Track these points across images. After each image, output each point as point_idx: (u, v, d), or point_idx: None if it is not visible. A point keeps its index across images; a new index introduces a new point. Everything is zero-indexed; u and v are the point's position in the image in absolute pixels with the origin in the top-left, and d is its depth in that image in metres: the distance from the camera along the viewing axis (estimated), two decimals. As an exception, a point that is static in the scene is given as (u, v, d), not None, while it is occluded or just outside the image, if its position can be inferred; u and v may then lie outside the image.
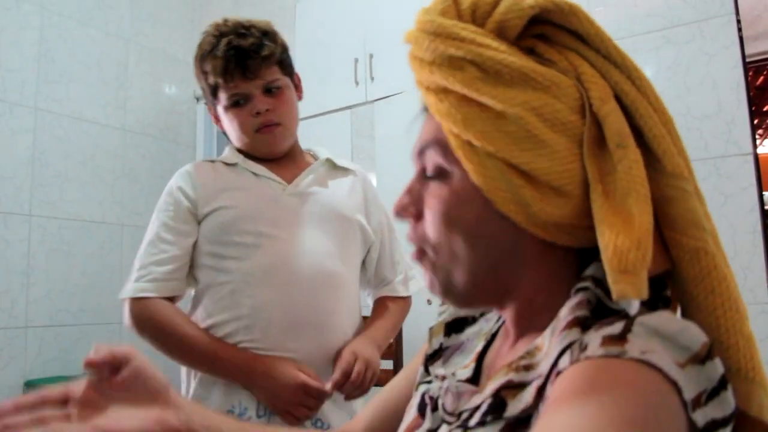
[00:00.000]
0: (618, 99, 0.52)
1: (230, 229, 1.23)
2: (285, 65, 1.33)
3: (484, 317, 0.71)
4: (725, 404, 0.44)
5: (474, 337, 0.69)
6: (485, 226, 0.55)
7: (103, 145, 3.23)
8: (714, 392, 0.44)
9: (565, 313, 0.51)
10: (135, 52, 3.45)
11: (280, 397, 1.15)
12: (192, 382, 1.24)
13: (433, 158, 0.58)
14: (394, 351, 2.18)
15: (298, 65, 3.47)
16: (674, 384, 0.42)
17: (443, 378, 0.63)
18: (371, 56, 3.00)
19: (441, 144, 0.57)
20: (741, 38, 2.13)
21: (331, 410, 1.23)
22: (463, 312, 0.72)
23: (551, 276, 0.57)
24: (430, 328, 0.72)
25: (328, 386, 1.17)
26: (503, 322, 0.65)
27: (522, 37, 0.54)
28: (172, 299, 1.24)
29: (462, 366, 0.65)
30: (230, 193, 1.27)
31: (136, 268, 1.23)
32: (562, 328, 0.50)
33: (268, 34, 1.29)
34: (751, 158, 2.05)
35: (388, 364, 2.22)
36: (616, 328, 0.45)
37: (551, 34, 0.53)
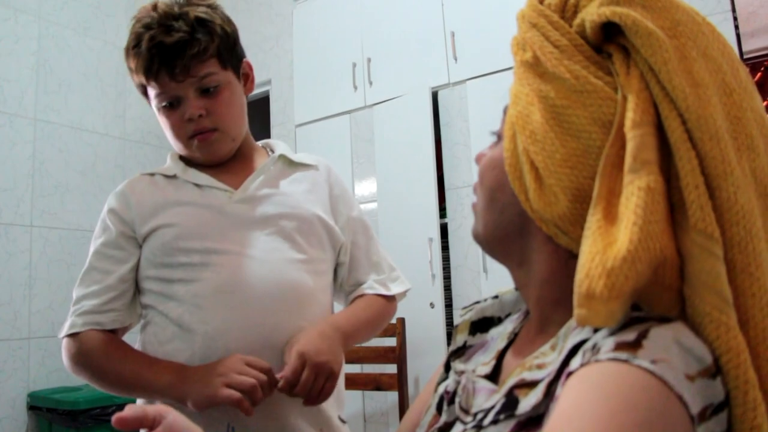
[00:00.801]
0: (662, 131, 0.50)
1: (173, 250, 1.09)
2: (225, 57, 1.14)
3: (510, 318, 0.72)
4: (722, 422, 0.44)
5: (498, 336, 0.70)
6: (500, 193, 0.61)
7: (103, 155, 3.24)
8: (719, 407, 0.44)
9: None
10: (133, 60, 3.45)
11: (214, 374, 0.98)
12: None
13: (502, 122, 0.64)
14: (398, 356, 2.18)
15: (297, 70, 3.47)
16: (680, 397, 0.41)
17: (462, 373, 0.65)
18: (369, 60, 3.00)
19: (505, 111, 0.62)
20: (738, 35, 2.13)
21: (297, 417, 1.08)
22: (489, 312, 0.74)
23: (558, 272, 0.57)
24: (456, 326, 0.75)
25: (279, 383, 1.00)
26: (525, 323, 0.67)
27: (607, 40, 0.54)
28: (114, 332, 1.12)
29: (482, 363, 0.66)
30: (170, 210, 1.12)
31: (72, 303, 1.13)
32: (574, 326, 0.51)
33: (202, 24, 1.10)
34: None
35: (392, 369, 2.23)
36: (631, 334, 0.45)
37: (631, 49, 0.52)
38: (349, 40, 3.10)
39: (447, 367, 0.72)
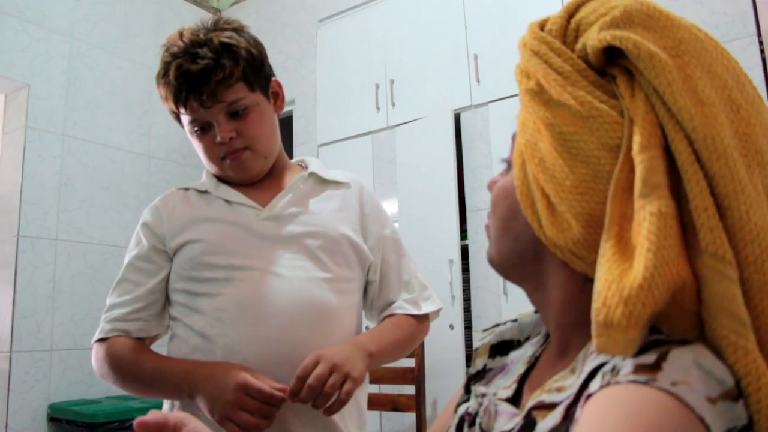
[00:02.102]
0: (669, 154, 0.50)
1: (199, 265, 1.12)
2: (252, 79, 1.15)
3: (529, 341, 0.72)
4: None
5: (518, 360, 0.69)
6: (513, 222, 0.61)
7: (128, 171, 3.29)
8: (743, 431, 0.43)
9: None
10: (160, 79, 3.51)
11: (220, 400, 0.98)
12: None
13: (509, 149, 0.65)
14: (417, 377, 2.17)
15: (320, 90, 3.52)
16: (702, 420, 0.41)
17: (483, 395, 0.65)
18: (392, 82, 3.03)
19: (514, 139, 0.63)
20: (764, 59, 2.12)
21: (299, 429, 1.07)
22: (508, 335, 0.74)
23: (575, 295, 0.57)
24: (475, 349, 0.75)
25: (283, 394, 1.01)
26: (546, 346, 0.66)
27: (611, 63, 0.54)
28: (142, 340, 1.16)
29: (503, 387, 0.65)
30: (200, 225, 1.15)
31: (104, 310, 1.16)
32: (592, 350, 0.50)
33: (227, 49, 1.11)
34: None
35: (410, 390, 2.21)
36: (651, 357, 0.44)
37: (635, 71, 0.52)
38: (373, 61, 3.13)
39: (467, 389, 0.71)
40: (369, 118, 3.09)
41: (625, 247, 0.47)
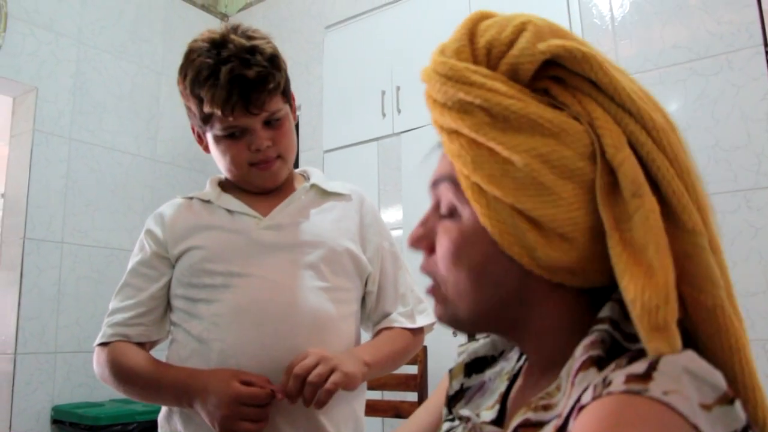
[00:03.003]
0: (633, 148, 0.50)
1: (199, 271, 1.13)
2: (286, 91, 1.19)
3: (504, 357, 0.71)
4: None
5: (495, 377, 0.69)
6: (492, 266, 0.56)
7: (134, 175, 3.30)
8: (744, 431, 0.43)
9: (580, 353, 0.50)
10: (167, 84, 3.53)
11: (217, 414, 1.00)
12: None
13: (446, 194, 0.60)
14: (419, 383, 2.17)
15: (326, 97, 3.53)
16: (696, 427, 0.41)
17: (468, 420, 0.64)
18: (398, 89, 3.03)
19: (453, 181, 0.58)
20: (770, 70, 2.12)
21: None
22: (482, 352, 0.73)
23: (562, 315, 0.57)
24: (450, 370, 0.73)
25: (277, 394, 1.03)
26: (525, 361, 0.65)
27: (537, 78, 0.54)
28: (143, 345, 1.17)
29: (486, 407, 0.65)
30: (201, 233, 1.16)
31: (106, 315, 1.19)
32: (577, 368, 0.50)
33: (273, 61, 1.13)
34: (782, 191, 2.02)
35: (413, 396, 2.21)
36: (641, 366, 0.44)
37: (566, 78, 0.52)
38: (379, 68, 3.14)
39: (449, 410, 0.70)
40: (375, 124, 3.10)
41: (632, 250, 0.47)
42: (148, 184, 3.36)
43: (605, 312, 0.52)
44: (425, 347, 2.20)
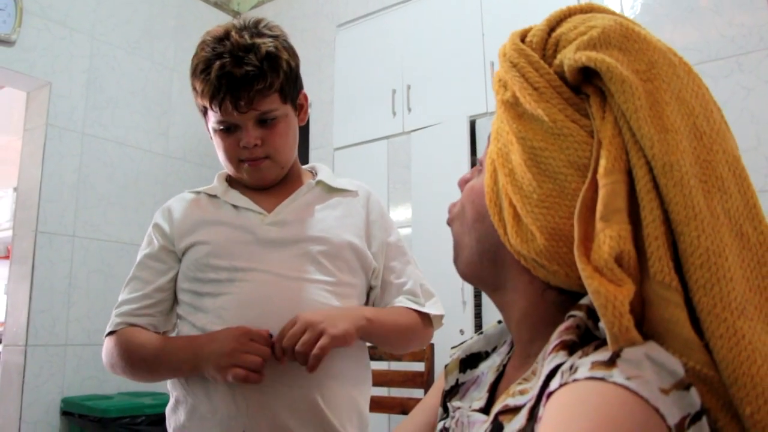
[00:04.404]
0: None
1: (204, 266, 1.15)
2: (286, 92, 1.17)
3: (497, 351, 0.74)
4: (704, 429, 0.45)
5: (488, 370, 0.71)
6: (480, 223, 0.63)
7: (146, 170, 3.33)
8: (696, 416, 0.45)
9: (554, 337, 0.53)
10: (179, 80, 3.56)
11: (224, 350, 1.03)
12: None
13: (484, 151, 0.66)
14: (426, 381, 2.18)
15: (337, 94, 3.54)
16: (656, 410, 0.42)
17: (457, 409, 0.67)
18: (409, 87, 3.04)
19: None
20: (781, 73, 2.12)
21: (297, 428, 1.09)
22: (476, 348, 0.76)
23: (538, 299, 0.59)
24: (445, 366, 0.76)
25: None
26: (512, 354, 0.68)
27: (585, 82, 0.55)
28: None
29: (477, 398, 0.67)
30: (207, 228, 1.18)
31: (114, 306, 1.20)
32: (549, 351, 0.52)
33: (270, 60, 1.12)
34: (791, 194, 2.02)
35: (419, 393, 2.22)
36: (606, 354, 0.47)
37: (607, 92, 0.53)
38: (390, 66, 3.15)
39: (444, 407, 0.73)
40: (385, 122, 3.11)
41: (595, 265, 0.49)
42: (160, 179, 3.38)
43: (585, 300, 0.54)
44: (432, 345, 2.21)
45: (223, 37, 1.12)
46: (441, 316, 1.27)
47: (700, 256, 0.48)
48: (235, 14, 3.95)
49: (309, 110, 1.31)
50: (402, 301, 1.23)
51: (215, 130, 1.18)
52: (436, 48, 2.99)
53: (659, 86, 0.53)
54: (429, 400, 0.80)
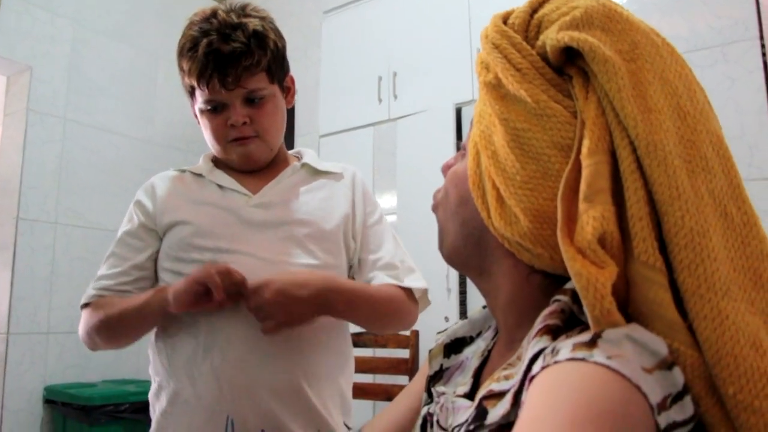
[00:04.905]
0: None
1: (188, 246, 1.13)
2: (273, 71, 1.17)
3: (482, 336, 0.73)
4: (686, 408, 0.45)
5: (472, 355, 0.71)
6: (463, 207, 0.63)
7: (129, 157, 3.29)
8: (678, 396, 0.45)
9: (538, 322, 0.52)
10: (164, 66, 3.52)
11: (199, 270, 1.04)
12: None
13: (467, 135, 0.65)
14: (410, 368, 2.18)
15: (323, 81, 3.53)
16: (638, 388, 0.42)
17: (442, 395, 0.66)
18: (395, 74, 3.03)
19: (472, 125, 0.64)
20: (765, 63, 2.13)
21: (296, 419, 1.09)
22: (461, 333, 0.75)
23: (522, 283, 0.59)
24: (430, 351, 0.75)
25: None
26: (497, 339, 0.68)
27: (568, 63, 0.55)
28: None
29: (461, 383, 0.67)
30: (191, 207, 1.17)
31: (93, 280, 1.20)
32: (533, 335, 0.52)
33: (258, 37, 1.12)
34: (774, 183, 2.04)
35: (404, 380, 2.23)
36: (587, 335, 0.46)
37: (590, 73, 0.53)
38: (376, 53, 3.13)
39: (429, 392, 0.72)
40: (371, 109, 3.10)
41: (577, 247, 0.49)
42: (144, 166, 3.35)
43: (570, 284, 0.53)
44: (416, 332, 2.22)
45: (210, 17, 1.12)
46: (425, 291, 1.24)
47: (684, 236, 0.48)
48: (221, 0, 3.91)
49: (296, 97, 1.30)
50: (379, 277, 1.20)
51: (202, 111, 1.17)
52: (423, 35, 2.98)
53: (642, 66, 0.52)
54: (413, 386, 0.80)
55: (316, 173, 1.26)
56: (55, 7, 3.02)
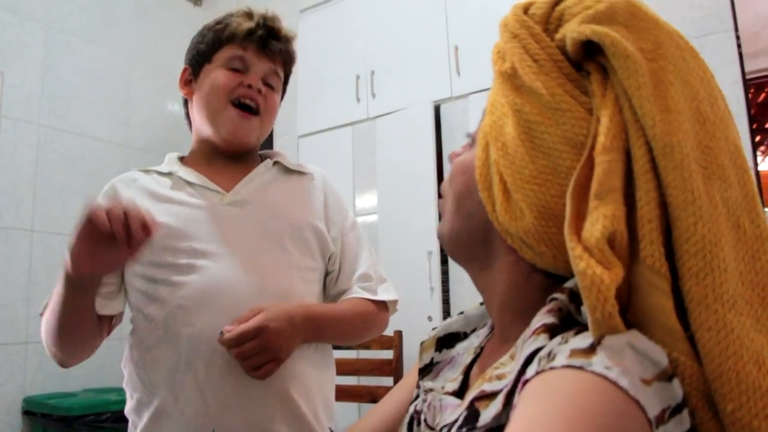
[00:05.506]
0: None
1: (160, 249, 1.08)
2: (287, 76, 1.29)
3: (475, 333, 0.72)
4: (684, 421, 0.44)
5: (464, 351, 0.70)
6: (468, 200, 0.61)
7: (106, 161, 3.24)
8: (677, 409, 0.43)
9: (536, 320, 0.51)
10: (139, 68, 3.48)
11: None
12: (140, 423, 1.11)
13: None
14: (395, 368, 2.17)
15: (301, 81, 3.50)
16: (636, 402, 0.41)
17: (429, 391, 0.65)
18: (373, 73, 3.02)
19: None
20: (741, 55, 2.14)
21: (282, 425, 1.06)
22: (455, 327, 0.74)
23: (522, 281, 0.58)
24: (422, 343, 0.74)
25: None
26: (490, 337, 0.67)
27: (587, 58, 0.53)
28: (100, 324, 1.12)
29: (450, 380, 0.66)
30: (161, 208, 1.11)
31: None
32: (530, 334, 0.50)
33: (291, 43, 1.27)
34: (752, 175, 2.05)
35: (388, 381, 2.22)
36: (586, 341, 0.45)
37: (609, 68, 0.51)
38: (354, 51, 3.12)
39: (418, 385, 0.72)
40: (349, 109, 3.08)
41: (584, 245, 0.47)
42: (121, 170, 3.25)
43: (569, 283, 0.52)
44: (400, 332, 2.21)
45: (251, 13, 1.22)
46: (395, 302, 1.26)
47: (695, 243, 0.46)
48: (196, 0, 3.87)
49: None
50: (356, 291, 1.21)
51: (217, 68, 1.18)
52: (400, 33, 2.97)
53: (664, 66, 0.51)
54: (407, 380, 0.79)
55: (289, 172, 1.25)
56: (24, 10, 2.97)
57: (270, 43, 1.18)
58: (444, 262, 2.62)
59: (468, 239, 0.62)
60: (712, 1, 2.20)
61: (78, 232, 0.94)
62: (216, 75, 1.17)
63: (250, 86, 1.16)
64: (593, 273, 0.44)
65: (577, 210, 0.48)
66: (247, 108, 1.16)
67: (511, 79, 0.56)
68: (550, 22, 0.56)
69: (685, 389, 0.45)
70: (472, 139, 0.65)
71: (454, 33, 2.79)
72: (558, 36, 0.55)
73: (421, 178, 2.66)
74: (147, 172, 1.21)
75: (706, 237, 0.46)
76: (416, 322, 2.47)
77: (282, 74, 1.24)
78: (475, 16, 2.73)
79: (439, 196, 0.69)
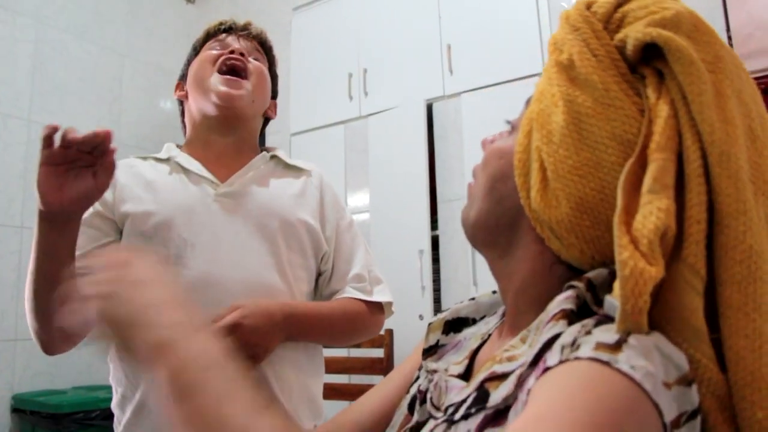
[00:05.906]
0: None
1: (150, 238, 1.07)
2: (269, 58, 1.34)
3: (484, 320, 0.73)
4: (696, 428, 0.45)
5: (471, 337, 0.70)
6: (502, 184, 0.61)
7: (97, 158, 3.23)
8: (692, 415, 0.44)
9: (553, 307, 0.52)
10: (130, 66, 3.46)
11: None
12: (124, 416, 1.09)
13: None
14: (386, 367, 2.17)
15: (293, 79, 3.50)
16: (656, 405, 0.42)
17: (434, 372, 0.65)
18: (365, 71, 3.02)
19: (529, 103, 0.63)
20: (732, 56, 2.14)
21: None
22: (464, 312, 0.74)
23: (543, 272, 0.58)
24: (430, 323, 0.74)
25: None
26: (499, 325, 0.67)
27: (643, 63, 0.54)
28: None
29: (455, 363, 0.66)
30: (154, 196, 1.11)
31: None
32: (548, 320, 0.51)
33: (264, 35, 1.34)
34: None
35: (379, 380, 2.21)
36: (612, 336, 0.45)
37: (666, 74, 0.52)
38: (346, 50, 3.12)
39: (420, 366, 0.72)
40: (342, 107, 3.08)
41: (632, 236, 0.48)
42: (112, 167, 3.30)
43: (591, 273, 0.53)
44: (391, 331, 2.20)
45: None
46: (390, 304, 1.24)
47: (742, 251, 0.47)
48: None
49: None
50: (349, 291, 1.19)
51: (204, 50, 1.24)
52: (393, 31, 2.97)
53: (723, 80, 0.52)
54: (406, 365, 0.79)
55: (286, 167, 1.25)
56: (15, 6, 2.95)
57: (242, 27, 1.27)
58: (435, 261, 2.62)
59: (494, 223, 0.62)
60: (704, 2, 2.20)
61: (40, 161, 0.94)
62: (200, 57, 1.23)
63: (232, 52, 1.20)
64: (635, 265, 0.45)
65: (626, 204, 0.49)
66: (234, 72, 1.19)
67: (567, 69, 0.57)
68: (611, 22, 0.57)
69: (701, 391, 0.46)
70: (512, 127, 0.65)
71: (447, 32, 2.79)
72: (618, 36, 0.56)
73: (413, 177, 2.65)
74: (144, 158, 1.20)
75: (753, 247, 0.47)
76: (407, 320, 2.47)
77: (264, 55, 1.30)
78: (468, 15, 2.73)
79: (470, 184, 0.69)
